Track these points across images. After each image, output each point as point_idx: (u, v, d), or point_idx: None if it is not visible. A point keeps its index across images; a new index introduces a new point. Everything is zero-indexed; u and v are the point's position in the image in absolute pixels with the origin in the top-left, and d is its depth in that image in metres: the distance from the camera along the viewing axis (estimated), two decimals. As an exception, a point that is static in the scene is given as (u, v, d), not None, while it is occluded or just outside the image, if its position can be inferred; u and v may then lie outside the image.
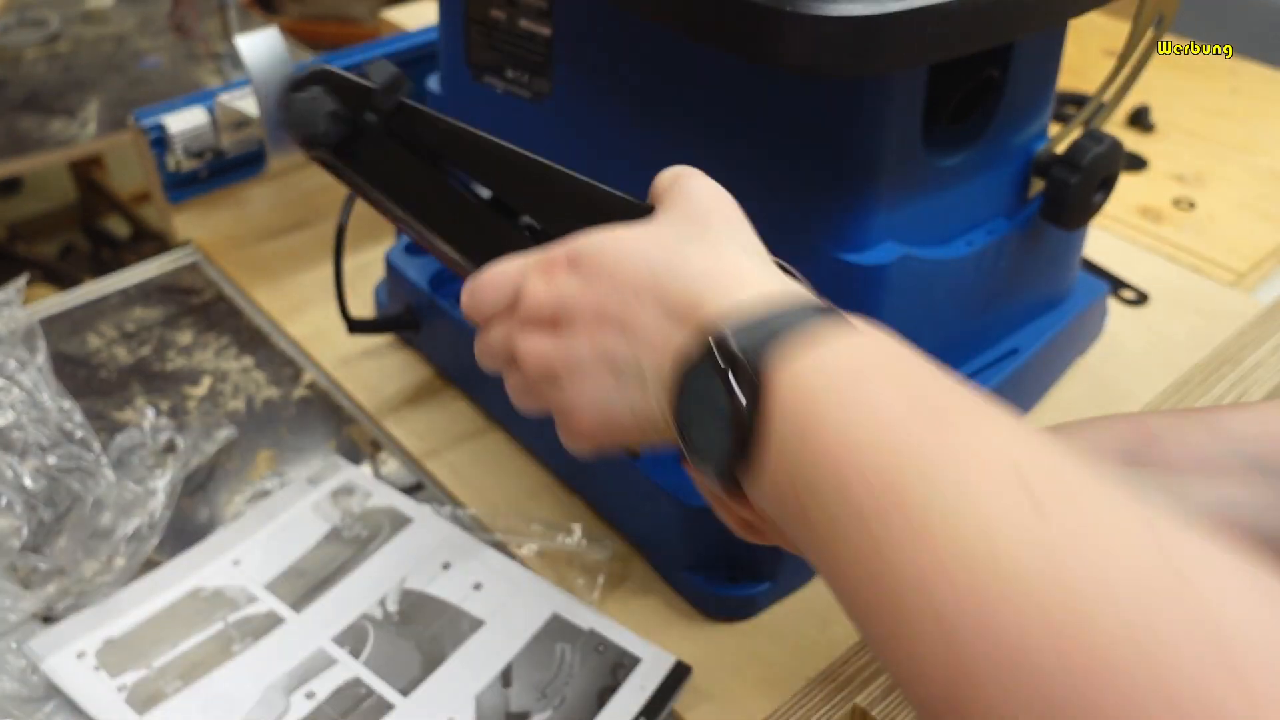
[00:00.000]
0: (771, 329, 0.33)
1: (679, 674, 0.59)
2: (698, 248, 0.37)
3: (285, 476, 0.72)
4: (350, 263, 0.80)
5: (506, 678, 0.59)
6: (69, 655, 0.59)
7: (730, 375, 0.32)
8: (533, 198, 0.48)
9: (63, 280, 2.04)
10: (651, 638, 0.61)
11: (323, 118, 0.50)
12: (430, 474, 0.73)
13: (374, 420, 0.77)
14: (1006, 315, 0.72)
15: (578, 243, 0.40)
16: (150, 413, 0.74)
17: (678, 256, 0.37)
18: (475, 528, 0.68)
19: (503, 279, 0.42)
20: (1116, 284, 0.89)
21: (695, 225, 0.38)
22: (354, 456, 0.74)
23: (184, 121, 0.85)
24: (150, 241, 2.22)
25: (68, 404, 0.72)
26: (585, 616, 0.62)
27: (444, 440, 0.75)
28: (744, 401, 0.32)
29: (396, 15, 1.25)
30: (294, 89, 0.52)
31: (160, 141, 0.85)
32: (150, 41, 1.76)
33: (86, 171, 2.36)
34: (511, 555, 0.66)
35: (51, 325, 0.85)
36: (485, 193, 0.51)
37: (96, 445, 0.70)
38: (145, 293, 0.89)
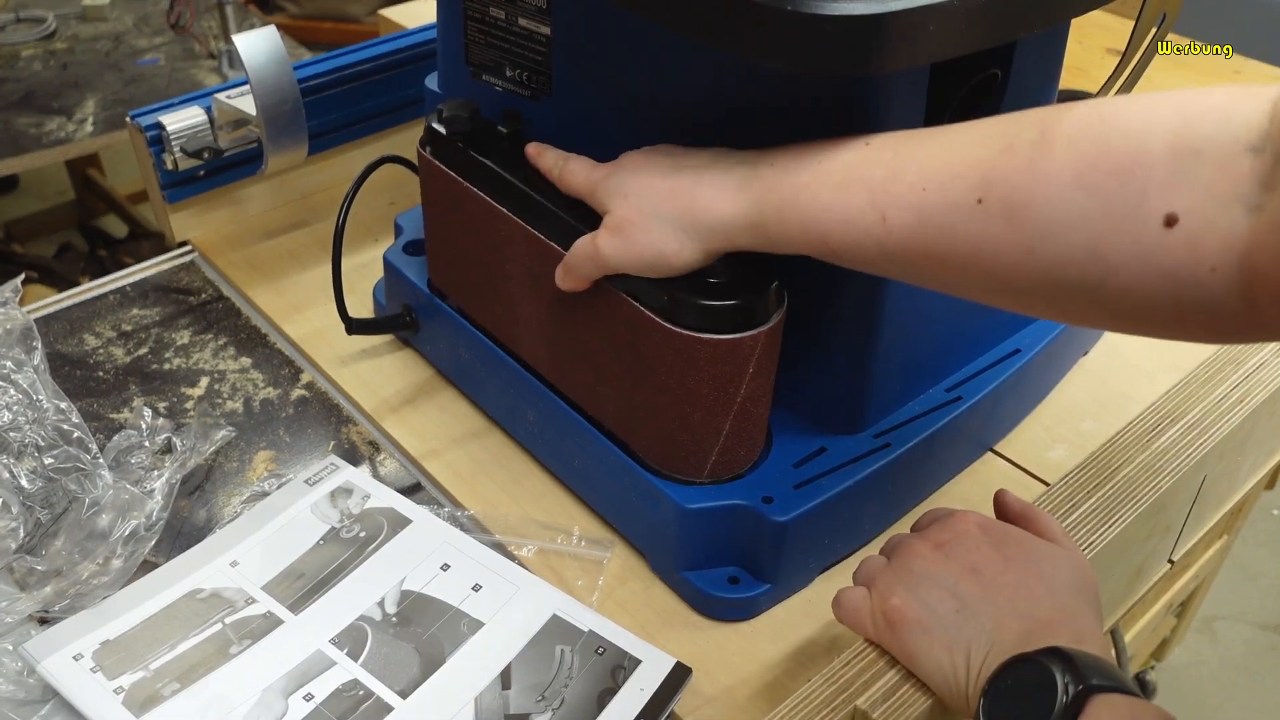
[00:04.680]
0: (1091, 682, 0.47)
1: (679, 676, 0.59)
2: (1074, 600, 0.53)
3: (283, 477, 0.72)
4: (349, 263, 0.80)
5: (506, 679, 0.58)
6: (66, 657, 0.59)
7: (1061, 697, 0.47)
8: None
9: (59, 280, 2.04)
10: (651, 639, 0.61)
11: None
12: (429, 474, 0.72)
13: (373, 421, 0.77)
14: (1009, 316, 0.72)
15: (1003, 528, 0.56)
16: (147, 413, 0.74)
17: (1061, 595, 0.52)
18: (474, 528, 0.68)
19: (965, 524, 0.56)
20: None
21: (1079, 583, 0.54)
22: (352, 457, 0.74)
23: (181, 120, 0.84)
24: (147, 241, 2.22)
25: (64, 404, 0.72)
26: (585, 618, 0.62)
27: (443, 441, 0.74)
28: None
29: (394, 14, 1.25)
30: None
31: (158, 140, 0.85)
32: (148, 40, 1.76)
33: (83, 171, 2.36)
34: (511, 556, 0.66)
35: (48, 325, 0.85)
36: None
37: (93, 446, 0.69)
38: (142, 292, 0.89)
